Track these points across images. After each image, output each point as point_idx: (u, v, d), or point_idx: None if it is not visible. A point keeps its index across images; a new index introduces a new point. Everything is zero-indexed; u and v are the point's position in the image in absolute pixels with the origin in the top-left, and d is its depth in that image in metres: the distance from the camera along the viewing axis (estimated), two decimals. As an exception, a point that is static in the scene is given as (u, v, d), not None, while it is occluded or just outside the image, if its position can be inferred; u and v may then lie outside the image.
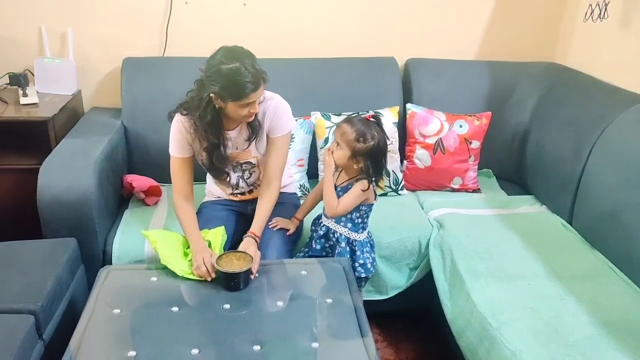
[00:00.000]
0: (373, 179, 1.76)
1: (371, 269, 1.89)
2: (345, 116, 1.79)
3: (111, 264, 1.90)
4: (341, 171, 1.83)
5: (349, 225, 1.84)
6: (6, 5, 2.34)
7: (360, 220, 1.84)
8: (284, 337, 1.42)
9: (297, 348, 1.39)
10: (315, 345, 1.39)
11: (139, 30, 2.43)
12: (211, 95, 1.66)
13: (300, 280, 1.68)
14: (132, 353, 1.35)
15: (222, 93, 1.64)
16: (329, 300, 1.56)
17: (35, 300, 1.52)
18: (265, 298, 1.59)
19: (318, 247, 1.88)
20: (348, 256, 1.83)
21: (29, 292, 1.55)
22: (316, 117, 2.29)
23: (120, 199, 2.21)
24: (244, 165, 1.91)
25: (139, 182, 2.18)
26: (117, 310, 1.51)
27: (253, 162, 1.91)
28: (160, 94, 2.29)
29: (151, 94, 2.31)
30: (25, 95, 2.24)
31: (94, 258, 1.91)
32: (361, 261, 1.86)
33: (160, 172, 2.17)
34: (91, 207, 1.84)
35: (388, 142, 1.78)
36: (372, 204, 1.84)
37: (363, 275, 1.87)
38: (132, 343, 1.40)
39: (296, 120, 2.25)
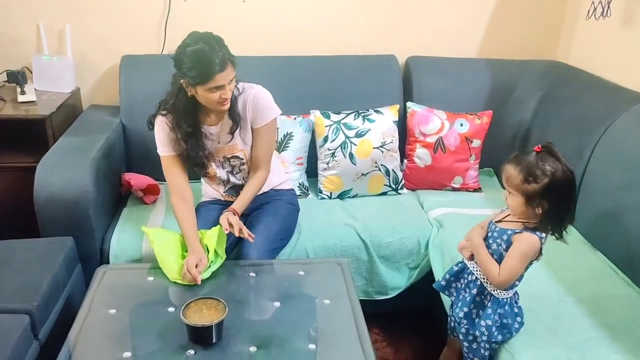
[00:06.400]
0: (551, 229, 1.42)
1: (497, 335, 1.48)
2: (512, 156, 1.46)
3: (108, 263, 1.89)
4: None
5: None
6: (4, 3, 2.32)
7: None
8: (280, 339, 1.41)
9: (293, 350, 1.37)
10: (312, 346, 1.38)
11: (137, 27, 2.41)
12: (181, 82, 1.66)
13: (298, 280, 1.66)
14: (128, 354, 1.34)
15: (189, 75, 1.62)
16: (327, 301, 1.55)
17: (30, 300, 1.51)
18: (262, 298, 1.58)
19: (468, 298, 1.55)
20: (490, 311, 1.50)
21: (25, 292, 1.54)
22: (315, 115, 2.27)
23: (119, 198, 2.20)
24: (232, 160, 1.89)
25: (137, 180, 2.17)
26: (113, 311, 1.50)
27: (241, 157, 1.89)
28: (158, 92, 2.24)
29: (149, 92, 2.28)
30: (23, 92, 2.23)
31: (91, 257, 1.90)
32: (488, 321, 1.48)
33: (159, 170, 2.15)
34: (88, 206, 1.82)
35: (570, 172, 1.39)
36: (532, 263, 1.47)
37: (484, 337, 1.49)
38: (127, 344, 1.39)
39: (295, 118, 2.24)
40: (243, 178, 1.94)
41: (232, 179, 1.93)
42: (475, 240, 1.52)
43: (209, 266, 1.66)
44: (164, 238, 1.75)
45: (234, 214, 1.75)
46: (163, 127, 1.79)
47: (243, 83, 1.82)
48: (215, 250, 1.70)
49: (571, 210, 1.43)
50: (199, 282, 1.58)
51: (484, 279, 1.51)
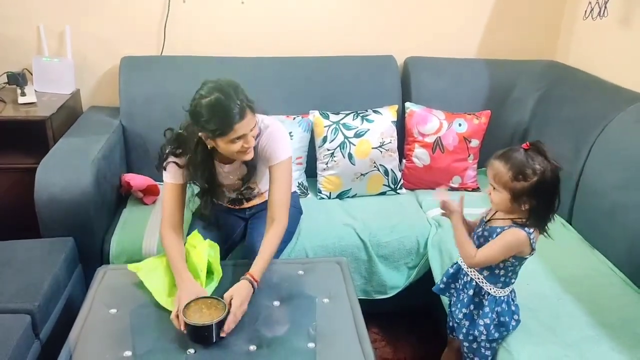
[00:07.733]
0: (536, 225, 1.43)
1: (494, 333, 1.51)
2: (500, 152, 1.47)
3: (109, 263, 1.90)
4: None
5: (485, 272, 1.52)
6: (4, 4, 2.33)
7: (502, 272, 1.50)
8: (280, 337, 1.42)
9: (293, 348, 1.38)
10: (311, 345, 1.39)
11: (137, 28, 2.42)
12: (200, 134, 1.57)
13: (297, 279, 1.67)
14: (128, 353, 1.35)
15: (208, 128, 1.52)
16: (326, 300, 1.56)
17: (32, 300, 1.53)
18: (262, 297, 1.59)
19: (465, 299, 1.56)
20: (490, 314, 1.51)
21: (26, 292, 1.55)
22: (314, 115, 2.28)
23: (119, 198, 2.21)
24: (244, 192, 1.87)
25: (137, 181, 2.18)
26: (113, 310, 1.51)
27: (252, 187, 1.86)
28: (158, 93, 2.29)
29: (149, 93, 2.31)
30: (23, 94, 2.23)
31: (91, 257, 1.91)
32: (486, 320, 1.51)
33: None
34: (88, 207, 1.83)
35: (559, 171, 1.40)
36: (526, 258, 1.48)
37: (483, 337, 1.51)
38: (128, 343, 1.40)
39: (294, 118, 2.26)
40: (249, 197, 1.92)
41: (241, 197, 1.90)
42: (455, 217, 1.52)
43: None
44: (153, 271, 1.64)
45: (252, 283, 1.53)
46: (174, 164, 1.68)
47: (261, 117, 1.70)
48: (209, 266, 1.63)
49: (555, 206, 1.43)
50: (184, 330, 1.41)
51: (479, 279, 1.52)
